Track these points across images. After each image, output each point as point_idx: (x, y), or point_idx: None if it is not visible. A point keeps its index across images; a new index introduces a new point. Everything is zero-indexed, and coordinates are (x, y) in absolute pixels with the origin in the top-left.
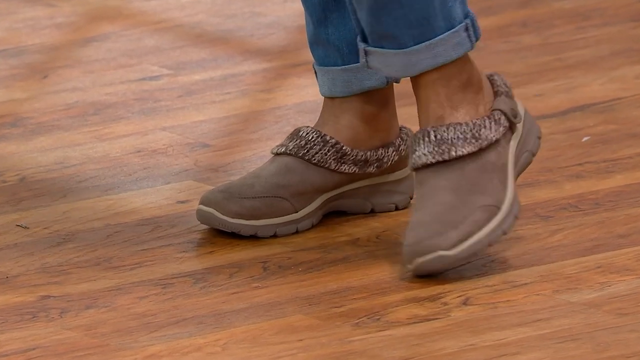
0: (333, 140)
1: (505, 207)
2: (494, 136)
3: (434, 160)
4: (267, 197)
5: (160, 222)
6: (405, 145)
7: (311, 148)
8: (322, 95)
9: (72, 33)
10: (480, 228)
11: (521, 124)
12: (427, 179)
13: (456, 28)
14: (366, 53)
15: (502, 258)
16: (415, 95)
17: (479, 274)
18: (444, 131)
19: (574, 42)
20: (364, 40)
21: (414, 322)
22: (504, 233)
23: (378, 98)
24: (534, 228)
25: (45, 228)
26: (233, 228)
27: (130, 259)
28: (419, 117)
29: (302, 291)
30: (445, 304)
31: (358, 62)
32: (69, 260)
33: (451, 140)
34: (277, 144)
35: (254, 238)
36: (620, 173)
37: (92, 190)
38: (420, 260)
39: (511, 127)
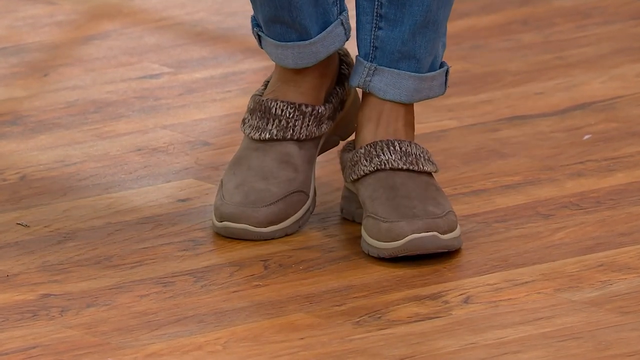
0: (309, 109)
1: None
2: (438, 167)
3: (404, 167)
4: (287, 196)
5: (161, 220)
6: (346, 66)
7: (294, 125)
8: (284, 66)
9: (72, 31)
10: (456, 225)
11: None
12: (395, 177)
13: (444, 68)
14: (375, 72)
15: (503, 256)
16: (366, 115)
17: (480, 272)
18: (408, 145)
19: (575, 41)
20: (371, 58)
21: (415, 321)
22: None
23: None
24: (535, 226)
25: (45, 226)
26: (268, 237)
27: (130, 258)
28: (362, 131)
29: (302, 290)
30: (446, 302)
31: (322, 32)
32: (70, 259)
33: (415, 155)
34: (246, 120)
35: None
36: (622, 171)
37: (92, 189)
38: (416, 236)
39: None
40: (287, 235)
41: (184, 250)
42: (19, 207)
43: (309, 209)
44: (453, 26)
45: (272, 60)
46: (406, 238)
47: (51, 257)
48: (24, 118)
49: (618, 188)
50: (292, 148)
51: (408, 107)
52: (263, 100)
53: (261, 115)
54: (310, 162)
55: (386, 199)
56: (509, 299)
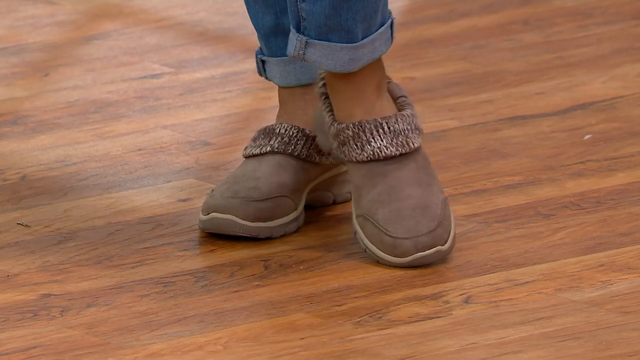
0: (313, 134)
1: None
2: (422, 129)
3: (397, 153)
4: (275, 197)
5: (162, 220)
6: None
7: (296, 143)
8: (285, 86)
9: (73, 31)
10: (451, 223)
11: None
12: (390, 171)
13: (387, 23)
14: (307, 45)
15: (503, 256)
16: (334, 89)
17: (480, 272)
18: (395, 122)
19: (576, 40)
20: (302, 31)
21: (416, 321)
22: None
23: None
24: (536, 226)
25: (46, 226)
26: (253, 232)
27: (131, 258)
28: (339, 109)
29: (303, 289)
30: (447, 302)
31: None
32: (70, 259)
33: (404, 132)
34: (248, 146)
35: (254, 237)
36: (622, 171)
37: (93, 189)
38: (421, 254)
39: None
40: (271, 236)
41: (185, 250)
42: (20, 207)
43: (296, 219)
44: (453, 26)
45: (277, 84)
46: (411, 257)
47: (52, 257)
48: (25, 118)
49: (619, 188)
50: (290, 161)
51: (373, 69)
52: (267, 126)
53: (264, 136)
54: (305, 182)
55: (384, 201)
56: (509, 299)
